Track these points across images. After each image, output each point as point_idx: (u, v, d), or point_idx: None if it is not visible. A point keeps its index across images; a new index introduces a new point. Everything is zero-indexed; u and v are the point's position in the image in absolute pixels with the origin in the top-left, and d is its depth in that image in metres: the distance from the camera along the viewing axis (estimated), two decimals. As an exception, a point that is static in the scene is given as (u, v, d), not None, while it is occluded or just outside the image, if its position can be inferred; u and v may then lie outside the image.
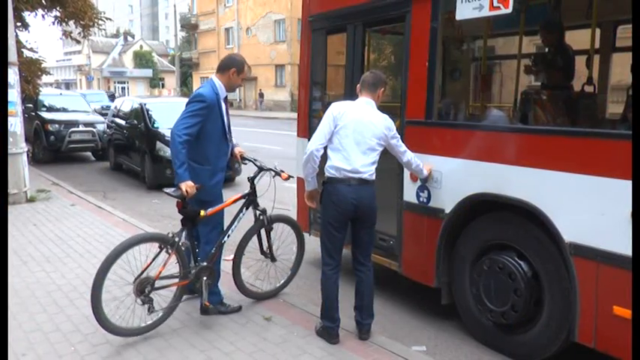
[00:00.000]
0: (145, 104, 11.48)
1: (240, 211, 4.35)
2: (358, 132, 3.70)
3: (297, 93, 6.00)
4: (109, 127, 13.09)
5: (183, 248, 3.95)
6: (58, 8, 12.39)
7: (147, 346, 3.76)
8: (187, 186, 3.84)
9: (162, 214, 8.35)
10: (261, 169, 4.38)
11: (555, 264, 3.44)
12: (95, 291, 3.59)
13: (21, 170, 8.41)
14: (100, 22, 13.69)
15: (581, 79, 4.67)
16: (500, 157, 3.69)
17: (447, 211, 4.07)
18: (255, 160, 4.43)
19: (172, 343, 3.80)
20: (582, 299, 3.27)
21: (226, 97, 4.23)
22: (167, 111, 11.20)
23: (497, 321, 3.83)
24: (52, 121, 13.62)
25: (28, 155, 8.89)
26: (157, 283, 3.82)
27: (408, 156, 3.97)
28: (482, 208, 3.91)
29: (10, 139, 8.20)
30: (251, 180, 4.37)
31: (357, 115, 3.74)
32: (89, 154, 15.03)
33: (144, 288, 3.75)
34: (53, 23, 12.99)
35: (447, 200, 4.07)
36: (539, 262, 3.57)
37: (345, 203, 3.69)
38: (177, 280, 3.98)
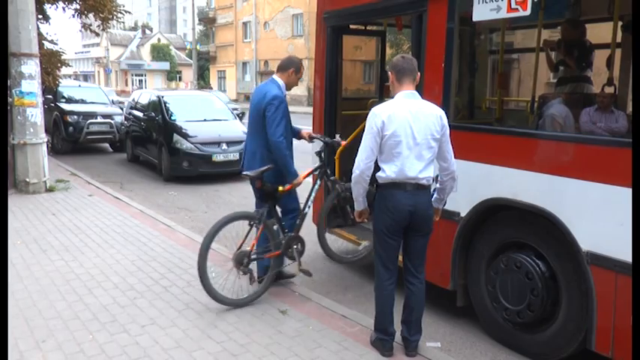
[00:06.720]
0: (162, 97, 11.55)
1: (315, 182, 4.77)
2: (409, 136, 3.26)
3: (313, 89, 5.99)
4: (126, 119, 13.22)
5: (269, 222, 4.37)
6: (77, 1, 12.53)
7: (164, 336, 3.80)
8: (298, 181, 4.43)
9: (178, 206, 8.36)
10: (325, 143, 4.93)
11: (574, 265, 3.41)
12: (202, 272, 4.06)
13: (40, 160, 8.52)
14: (119, 15, 13.82)
15: (602, 80, 4.60)
16: (516, 162, 3.64)
17: (463, 214, 4.04)
18: (322, 137, 4.98)
19: (189, 334, 3.84)
20: (599, 308, 3.23)
21: None
22: (184, 104, 11.36)
23: (512, 319, 3.81)
24: (71, 113, 13.76)
25: (47, 146, 8.99)
26: (253, 255, 4.29)
27: (451, 169, 3.45)
28: (499, 209, 3.87)
29: (30, 130, 8.33)
30: (319, 154, 4.87)
31: (406, 116, 3.27)
32: (107, 145, 15.17)
33: (242, 260, 4.22)
34: (73, 16, 13.13)
35: (462, 203, 4.03)
36: (557, 263, 3.54)
37: (400, 210, 3.34)
38: (270, 251, 4.39)
